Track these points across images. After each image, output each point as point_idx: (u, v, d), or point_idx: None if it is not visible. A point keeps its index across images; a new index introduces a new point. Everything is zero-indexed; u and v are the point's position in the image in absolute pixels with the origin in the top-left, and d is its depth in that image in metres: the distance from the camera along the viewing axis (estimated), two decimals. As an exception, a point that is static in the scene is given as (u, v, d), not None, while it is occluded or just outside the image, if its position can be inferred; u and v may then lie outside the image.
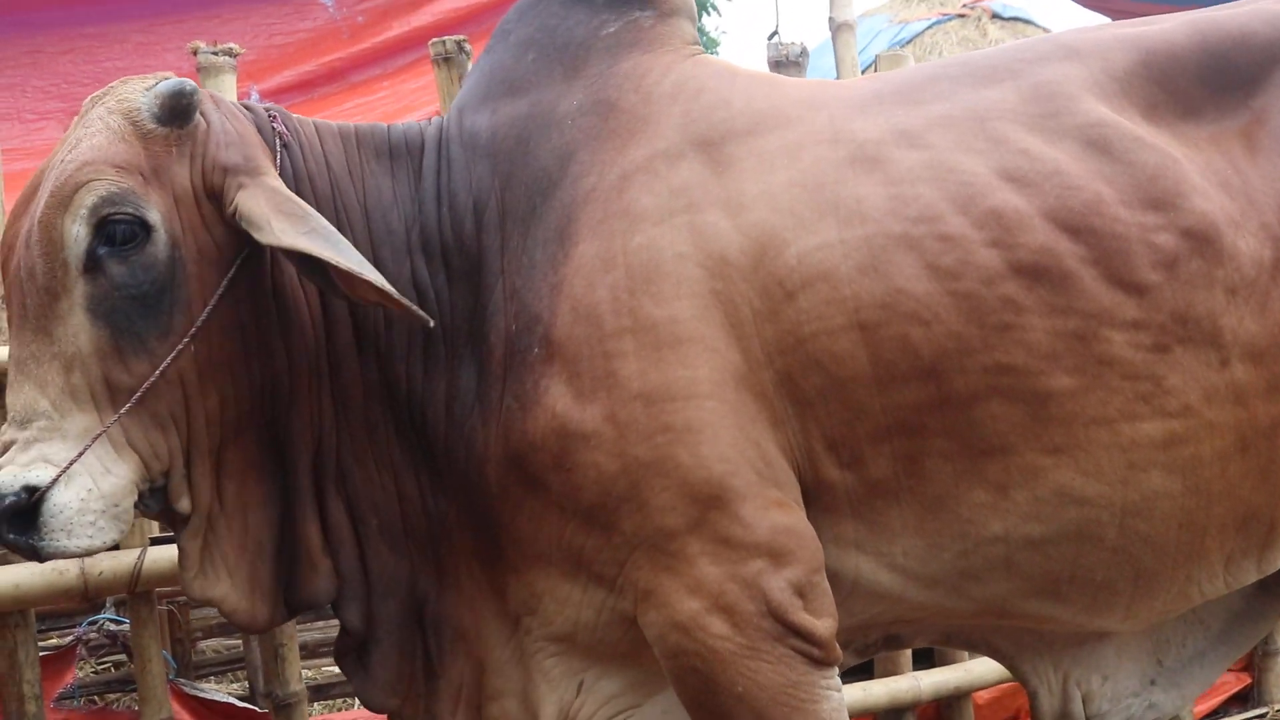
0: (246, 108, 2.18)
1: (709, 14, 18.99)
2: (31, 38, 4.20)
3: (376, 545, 2.18)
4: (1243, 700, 4.32)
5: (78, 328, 1.91)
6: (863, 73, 4.17)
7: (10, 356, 1.97)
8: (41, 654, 2.84)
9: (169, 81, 1.98)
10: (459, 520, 2.16)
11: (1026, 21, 12.14)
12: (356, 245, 2.01)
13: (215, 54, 2.99)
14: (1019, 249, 2.00)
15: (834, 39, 4.12)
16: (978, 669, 3.66)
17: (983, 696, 3.85)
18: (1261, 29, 2.16)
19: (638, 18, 2.27)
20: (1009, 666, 2.45)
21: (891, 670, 3.61)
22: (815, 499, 2.06)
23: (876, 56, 4.30)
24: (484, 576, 2.17)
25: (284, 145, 2.10)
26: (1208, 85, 2.14)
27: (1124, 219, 2.02)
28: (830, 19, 4.13)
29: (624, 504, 1.98)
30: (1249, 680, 4.30)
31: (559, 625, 2.12)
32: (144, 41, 5.18)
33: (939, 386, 2.00)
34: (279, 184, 1.99)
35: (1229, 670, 4.38)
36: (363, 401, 2.14)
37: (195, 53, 3.00)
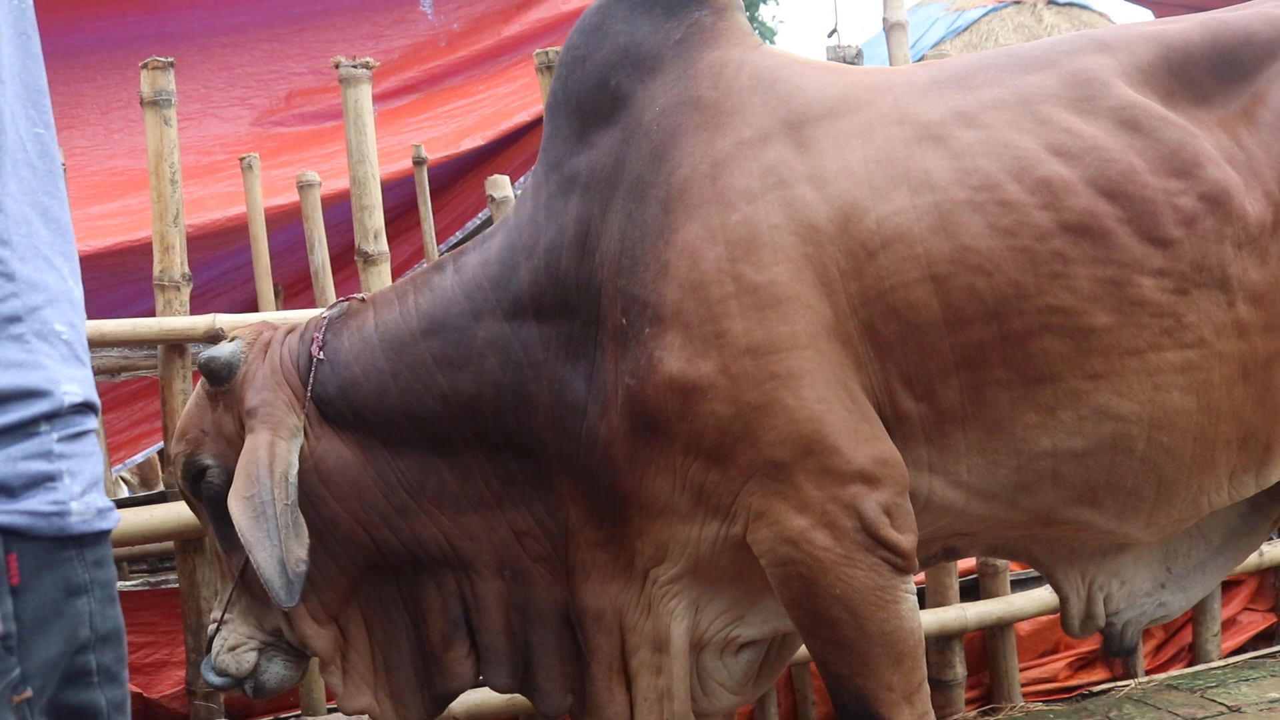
0: (307, 330, 2.58)
1: (765, 3, 19.12)
2: (173, 48, 4.69)
3: (512, 595, 2.52)
4: (1269, 638, 4.54)
5: (209, 532, 2.60)
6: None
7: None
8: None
9: (210, 354, 2.50)
10: (582, 518, 2.45)
11: (1082, 7, 12.13)
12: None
13: (354, 66, 3.46)
14: (1065, 211, 2.28)
15: (887, 38, 4.39)
16: (1019, 602, 3.96)
17: (1024, 628, 4.12)
18: (1263, 29, 2.48)
19: (698, 18, 2.49)
20: (1045, 574, 2.71)
21: (940, 602, 3.92)
22: (894, 428, 2.32)
23: (923, 57, 4.61)
24: (608, 557, 2.45)
25: (319, 363, 2.49)
26: (1217, 77, 2.45)
27: (1152, 185, 2.30)
28: (884, 18, 4.39)
29: (740, 442, 2.24)
30: (1275, 619, 4.54)
31: (681, 565, 2.41)
32: (271, 49, 5.68)
33: (1000, 326, 2.27)
34: (262, 437, 2.39)
35: (1255, 610, 4.67)
36: (457, 487, 2.49)
37: (337, 65, 3.47)
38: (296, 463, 2.40)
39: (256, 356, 2.53)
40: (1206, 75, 2.46)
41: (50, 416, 1.18)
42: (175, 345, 3.30)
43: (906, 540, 2.27)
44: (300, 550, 2.30)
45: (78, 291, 1.28)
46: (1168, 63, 2.45)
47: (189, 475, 2.55)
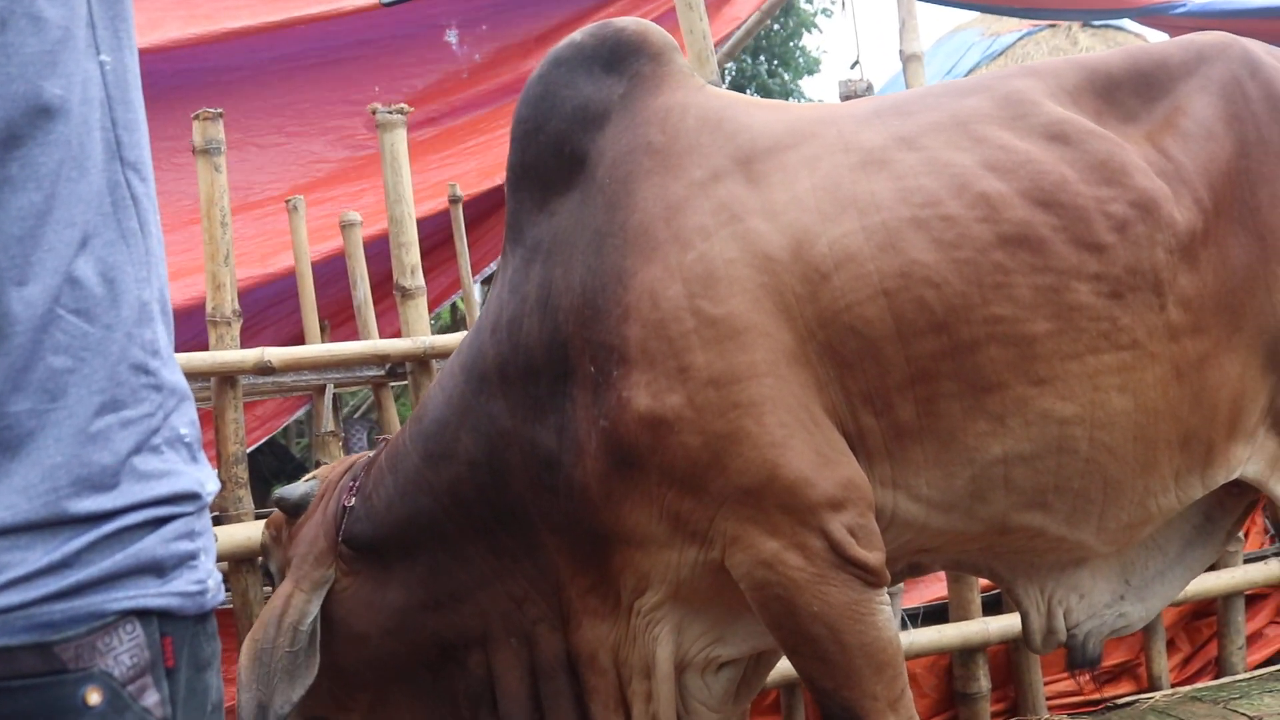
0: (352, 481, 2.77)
1: (810, 32, 19.20)
2: (214, 81, 4.96)
3: (522, 658, 2.62)
4: None
5: None
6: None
7: None
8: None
9: (282, 495, 2.79)
10: (570, 569, 2.52)
11: (1118, 28, 12.12)
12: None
13: (390, 113, 3.67)
14: (1003, 223, 2.35)
15: (905, 69, 4.49)
16: (1040, 617, 4.12)
17: (1047, 642, 4.28)
18: (1177, 52, 2.62)
19: (638, 68, 2.55)
20: (1006, 591, 2.76)
21: (962, 616, 4.01)
22: (857, 447, 2.37)
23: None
24: (597, 600, 2.52)
25: (349, 509, 2.68)
26: (1139, 96, 2.56)
27: (1084, 193, 2.38)
28: (900, 50, 4.47)
29: (709, 470, 2.29)
30: None
31: (663, 592, 2.46)
32: (306, 80, 5.97)
33: (949, 336, 2.33)
34: (284, 588, 2.65)
35: (1278, 624, 4.79)
36: (464, 575, 2.62)
37: (374, 112, 3.69)
38: (314, 612, 2.61)
39: (316, 502, 2.80)
40: (1130, 95, 2.56)
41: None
42: (227, 377, 3.51)
43: (874, 558, 2.33)
44: (290, 694, 2.52)
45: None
46: (1092, 85, 2.56)
47: (262, 563, 2.92)
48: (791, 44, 18.93)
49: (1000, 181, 2.39)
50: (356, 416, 9.92)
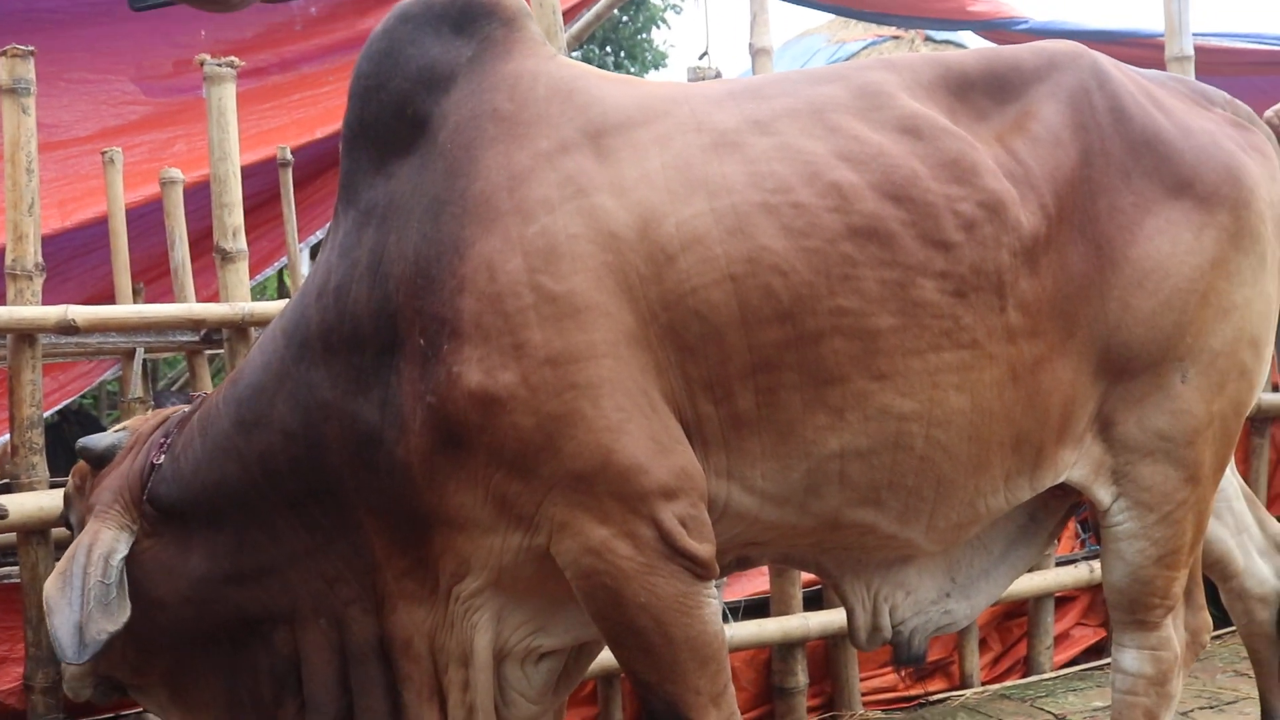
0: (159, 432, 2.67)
1: (658, 27, 19.30)
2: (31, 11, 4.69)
3: (331, 640, 2.53)
4: (1099, 652, 4.75)
5: None
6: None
7: None
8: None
9: (86, 444, 2.70)
10: (387, 550, 2.43)
11: (959, 45, 12.46)
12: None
13: (219, 65, 3.47)
14: (854, 214, 2.33)
15: (753, 64, 4.46)
16: (861, 613, 4.16)
17: (866, 638, 4.33)
18: (1030, 58, 2.65)
19: (489, 32, 2.46)
20: (833, 587, 2.77)
21: (784, 610, 4.03)
22: (694, 434, 2.33)
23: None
24: (415, 584, 2.43)
25: (156, 468, 2.56)
26: (992, 98, 2.59)
27: (935, 190, 2.38)
28: (750, 44, 4.44)
29: (541, 452, 2.22)
30: (1105, 634, 4.71)
31: (483, 578, 2.39)
32: (129, 26, 5.67)
33: (794, 326, 2.29)
34: (91, 526, 2.53)
35: (1087, 625, 4.90)
36: (271, 549, 2.51)
37: (202, 64, 3.49)
38: (122, 550, 2.49)
39: (124, 454, 2.65)
40: (982, 95, 2.59)
41: None
42: (25, 335, 3.28)
43: (704, 550, 2.29)
44: (107, 624, 2.37)
45: None
46: (946, 82, 2.57)
47: (63, 512, 2.79)
48: (640, 37, 18.96)
49: (852, 172, 2.37)
50: (174, 389, 9.53)
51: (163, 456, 2.56)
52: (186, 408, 2.71)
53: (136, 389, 4.03)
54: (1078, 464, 2.61)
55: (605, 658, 3.12)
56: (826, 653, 4.24)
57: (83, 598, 2.37)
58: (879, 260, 2.34)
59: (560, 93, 2.42)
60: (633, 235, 2.29)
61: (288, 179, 5.20)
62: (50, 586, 2.41)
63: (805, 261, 2.30)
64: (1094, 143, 2.55)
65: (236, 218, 3.62)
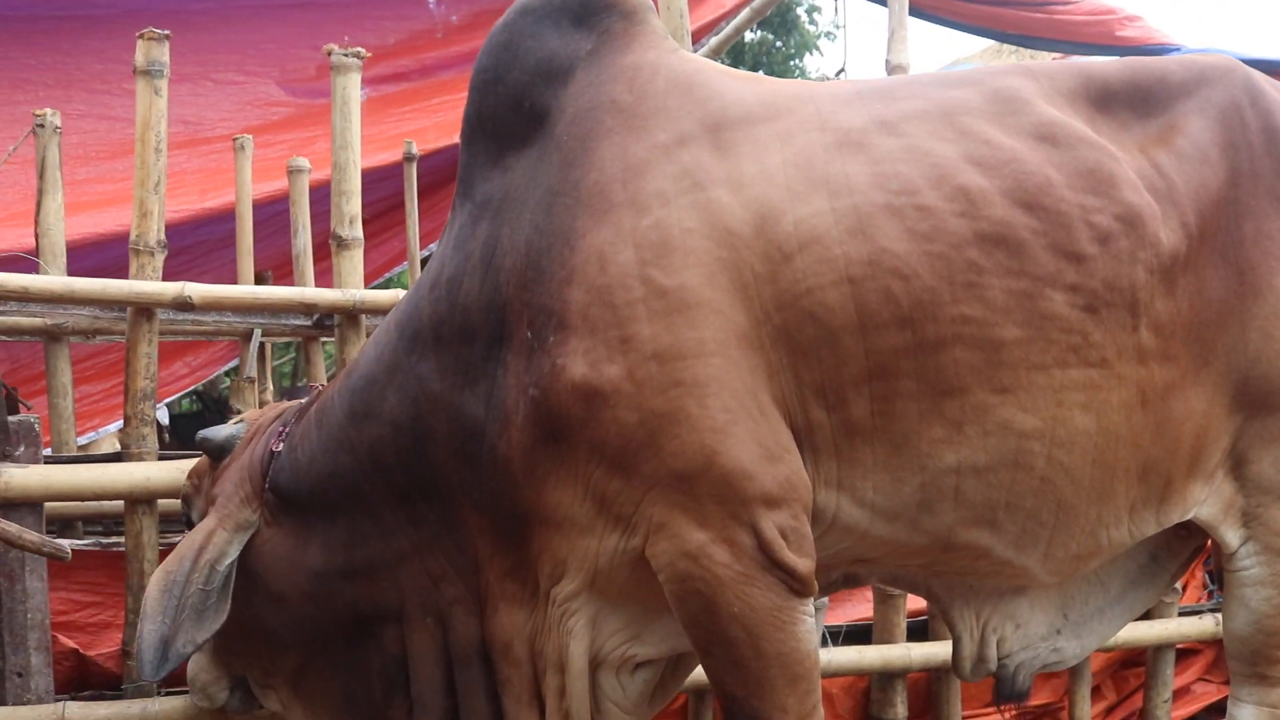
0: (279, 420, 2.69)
1: (812, 53, 19.16)
2: (173, 19, 4.87)
3: (438, 640, 2.52)
4: (1220, 711, 4.44)
5: None
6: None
7: None
8: (162, 546, 3.33)
9: (206, 435, 2.71)
10: (490, 549, 2.41)
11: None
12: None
13: (345, 55, 3.52)
14: (982, 220, 2.26)
15: None
16: (966, 647, 4.01)
17: (970, 675, 4.18)
18: (1178, 71, 2.55)
19: (608, 25, 2.44)
20: (941, 613, 2.67)
21: (886, 639, 3.88)
22: (804, 441, 2.27)
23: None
24: (516, 586, 2.41)
25: (275, 455, 2.58)
26: (1134, 110, 2.48)
27: (1069, 200, 2.30)
28: (886, 60, 4.38)
29: (643, 450, 2.18)
30: (1227, 692, 4.54)
31: (579, 580, 2.34)
32: (273, 30, 5.82)
33: (914, 333, 2.23)
34: (207, 524, 2.54)
35: (1211, 681, 4.67)
36: (382, 545, 2.51)
37: (330, 54, 3.54)
38: (233, 554, 2.50)
39: (242, 446, 2.67)
40: (1125, 107, 2.49)
41: None
42: (144, 309, 3.34)
43: (804, 564, 2.23)
44: (196, 634, 2.39)
45: None
46: (1087, 91, 2.48)
47: (184, 511, 2.81)
48: (791, 63, 18.87)
49: (982, 177, 2.29)
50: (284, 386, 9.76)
51: (281, 445, 2.57)
52: (304, 401, 2.72)
53: (251, 369, 4.10)
54: (1207, 501, 2.49)
55: (697, 671, 3.05)
56: (929, 686, 4.08)
57: (178, 607, 2.39)
58: (1006, 269, 2.26)
59: (680, 85, 2.38)
60: (749, 232, 2.23)
61: (412, 174, 5.24)
62: (152, 587, 2.43)
63: (928, 266, 2.23)
64: (1243, 163, 2.44)
65: (354, 205, 3.65)
